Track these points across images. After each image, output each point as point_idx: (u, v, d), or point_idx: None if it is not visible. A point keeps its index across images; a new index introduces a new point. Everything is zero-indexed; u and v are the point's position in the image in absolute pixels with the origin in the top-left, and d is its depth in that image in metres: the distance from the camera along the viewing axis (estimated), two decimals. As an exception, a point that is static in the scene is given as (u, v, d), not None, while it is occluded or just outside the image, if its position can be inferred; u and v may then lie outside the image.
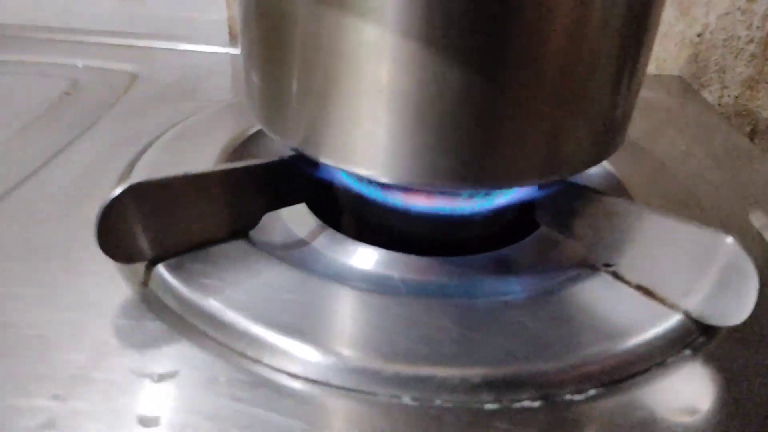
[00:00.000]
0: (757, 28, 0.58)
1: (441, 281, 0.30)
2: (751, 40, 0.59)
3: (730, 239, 0.24)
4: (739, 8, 0.58)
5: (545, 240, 0.33)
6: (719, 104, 0.62)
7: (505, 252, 0.32)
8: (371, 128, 0.26)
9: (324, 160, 0.27)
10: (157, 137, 0.40)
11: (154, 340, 0.24)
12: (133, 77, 0.52)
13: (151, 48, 0.58)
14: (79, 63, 0.53)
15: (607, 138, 0.29)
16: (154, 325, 0.25)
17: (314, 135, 0.27)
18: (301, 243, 0.32)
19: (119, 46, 0.58)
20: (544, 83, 0.25)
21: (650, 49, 0.28)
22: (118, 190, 0.25)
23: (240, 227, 0.29)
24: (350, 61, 0.25)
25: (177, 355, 0.24)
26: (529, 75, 0.25)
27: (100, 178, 0.35)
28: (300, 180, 0.31)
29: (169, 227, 0.27)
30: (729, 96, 0.62)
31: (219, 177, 0.28)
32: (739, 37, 0.59)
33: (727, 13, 0.58)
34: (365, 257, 0.31)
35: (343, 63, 0.25)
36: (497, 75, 0.25)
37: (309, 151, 0.28)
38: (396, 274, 0.30)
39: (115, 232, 0.26)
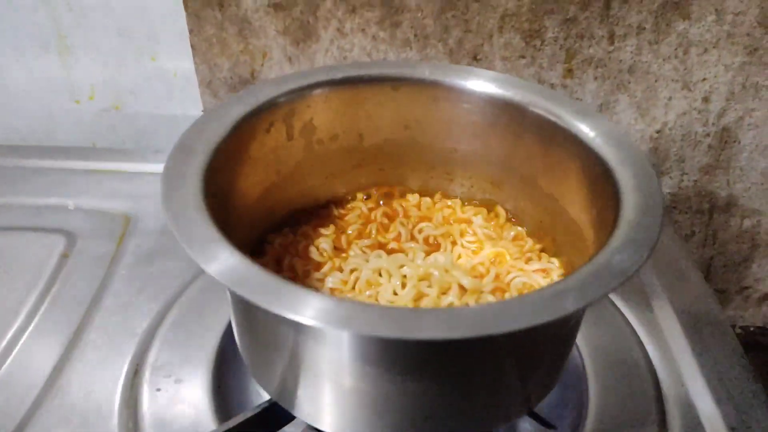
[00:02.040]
0: (713, 124, 0.61)
1: None
2: (708, 135, 0.62)
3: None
4: (695, 108, 0.61)
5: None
6: (679, 187, 0.66)
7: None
8: (336, 408, 0.31)
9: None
10: (156, 323, 0.44)
11: None
12: (127, 220, 0.55)
13: (139, 174, 0.60)
14: (71, 204, 0.56)
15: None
16: None
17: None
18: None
19: (108, 172, 0.61)
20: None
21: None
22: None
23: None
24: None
25: None
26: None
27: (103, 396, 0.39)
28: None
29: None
30: (689, 180, 0.66)
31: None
32: (696, 132, 0.62)
33: (684, 113, 0.61)
34: None
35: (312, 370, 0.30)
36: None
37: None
38: None
39: None
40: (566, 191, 0.39)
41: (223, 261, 0.26)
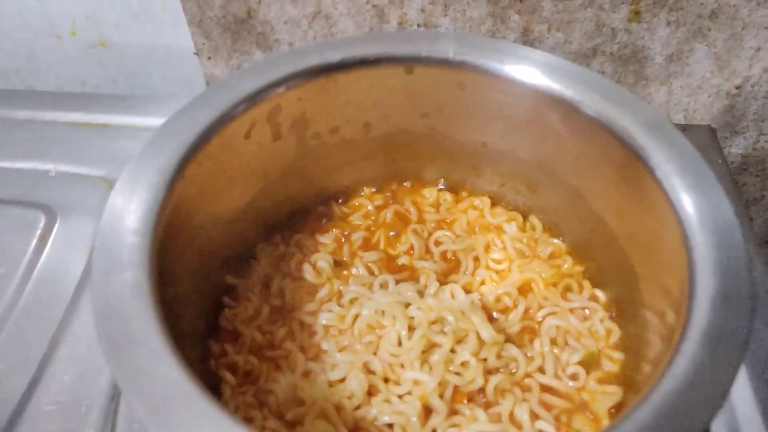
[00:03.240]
0: (808, 80, 0.50)
1: None
2: (799, 92, 0.51)
3: None
4: (789, 61, 0.49)
5: None
6: (753, 148, 0.56)
7: None
8: None
9: None
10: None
11: None
12: (108, 183, 0.49)
13: (130, 128, 0.53)
14: (51, 170, 0.50)
15: None
16: None
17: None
18: None
19: (95, 126, 0.54)
20: None
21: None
22: None
23: None
24: None
25: None
26: None
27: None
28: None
29: None
30: (765, 141, 0.55)
31: None
32: (785, 89, 0.51)
33: (773, 66, 0.50)
34: None
35: None
36: None
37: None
38: None
39: None
40: (620, 221, 0.31)
41: (156, 387, 0.20)
